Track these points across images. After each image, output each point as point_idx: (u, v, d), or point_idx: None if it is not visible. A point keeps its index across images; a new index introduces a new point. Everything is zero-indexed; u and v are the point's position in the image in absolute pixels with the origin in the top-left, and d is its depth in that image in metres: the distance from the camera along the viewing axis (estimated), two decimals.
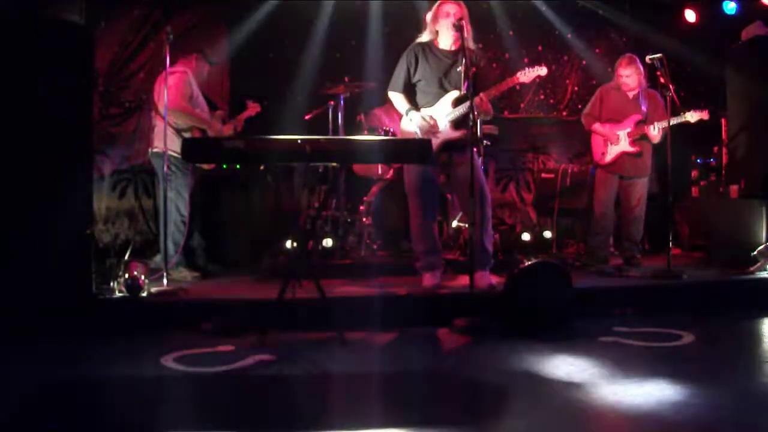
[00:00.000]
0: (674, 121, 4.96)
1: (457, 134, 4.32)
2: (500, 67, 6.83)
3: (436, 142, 4.26)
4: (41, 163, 3.80)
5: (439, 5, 4.37)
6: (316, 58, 6.45)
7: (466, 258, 4.85)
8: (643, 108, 5.22)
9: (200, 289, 4.53)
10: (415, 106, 4.43)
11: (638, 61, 5.21)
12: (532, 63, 4.39)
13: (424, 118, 4.33)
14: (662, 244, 5.11)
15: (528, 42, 7.13)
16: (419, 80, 4.43)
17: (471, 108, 3.96)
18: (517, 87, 4.51)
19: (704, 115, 4.97)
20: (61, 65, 3.86)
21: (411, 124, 4.39)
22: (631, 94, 5.29)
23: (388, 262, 5.26)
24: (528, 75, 4.24)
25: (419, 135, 4.32)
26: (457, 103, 4.32)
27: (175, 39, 4.46)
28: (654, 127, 5.08)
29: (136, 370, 3.15)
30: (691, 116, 4.97)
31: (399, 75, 4.46)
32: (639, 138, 5.20)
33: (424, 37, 4.47)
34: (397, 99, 4.47)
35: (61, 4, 3.94)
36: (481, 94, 4.21)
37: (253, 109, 5.51)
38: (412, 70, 4.43)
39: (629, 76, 5.24)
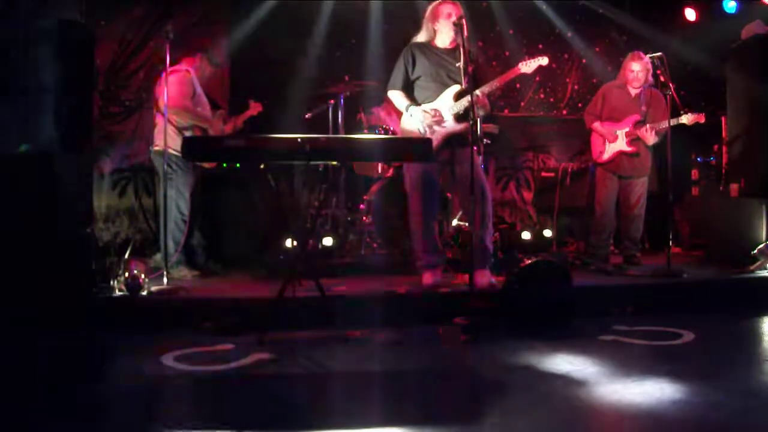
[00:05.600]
0: (670, 123, 4.95)
1: (460, 127, 4.31)
2: (500, 65, 6.82)
3: (438, 136, 4.26)
4: (41, 161, 3.81)
5: (438, 5, 4.38)
6: (316, 57, 6.46)
7: (466, 256, 4.85)
8: (643, 108, 5.21)
9: (200, 287, 4.52)
10: (414, 102, 4.43)
11: (646, 58, 5.19)
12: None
13: (426, 111, 4.33)
14: (662, 243, 5.11)
15: (528, 40, 7.13)
16: (418, 77, 4.43)
17: (472, 102, 3.96)
18: (518, 85, 4.50)
19: (700, 118, 4.93)
20: (61, 64, 3.86)
21: (412, 120, 4.38)
22: (633, 93, 5.27)
23: (388, 260, 5.25)
24: (530, 65, 4.23)
25: (422, 131, 4.33)
26: (458, 97, 4.32)
27: (175, 38, 4.46)
28: (648, 129, 5.07)
29: (136, 369, 3.14)
30: (687, 119, 4.94)
31: (397, 74, 4.46)
32: (636, 138, 5.19)
33: (421, 37, 4.47)
34: (396, 97, 4.47)
35: (62, 3, 3.93)
36: (483, 87, 4.21)
37: (254, 108, 5.52)
38: (410, 69, 4.43)
39: (639, 71, 5.19)
